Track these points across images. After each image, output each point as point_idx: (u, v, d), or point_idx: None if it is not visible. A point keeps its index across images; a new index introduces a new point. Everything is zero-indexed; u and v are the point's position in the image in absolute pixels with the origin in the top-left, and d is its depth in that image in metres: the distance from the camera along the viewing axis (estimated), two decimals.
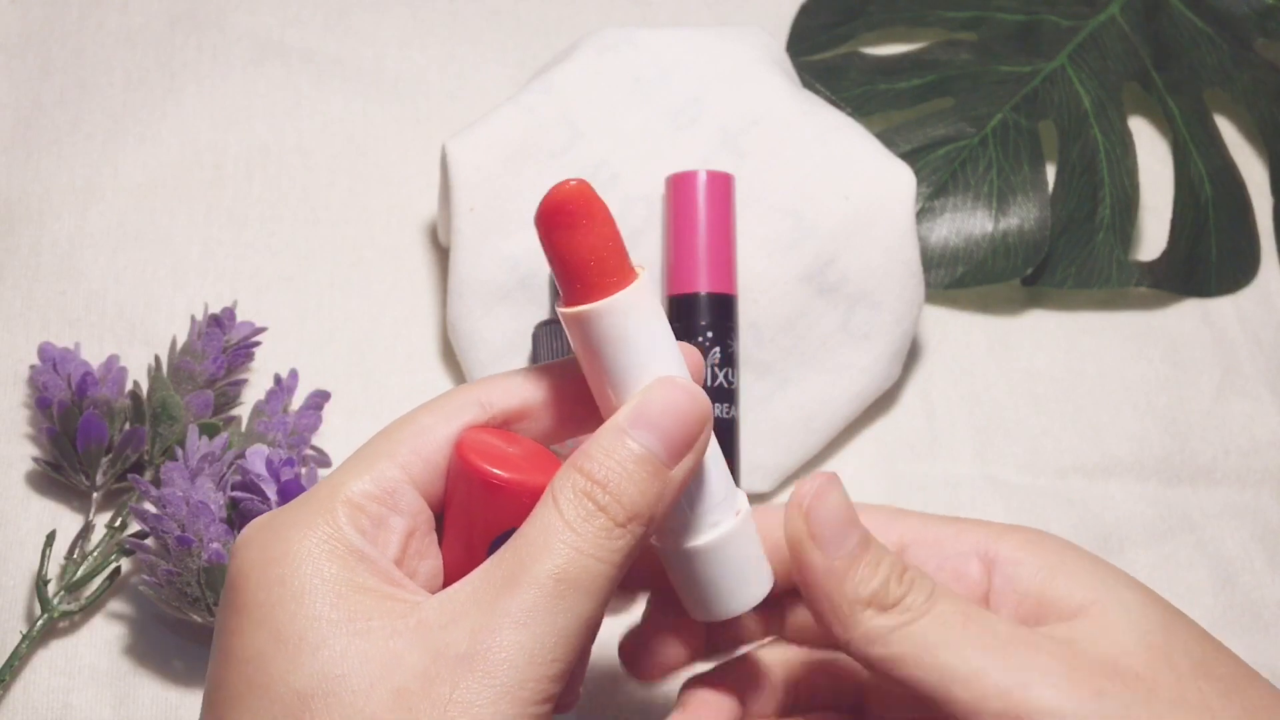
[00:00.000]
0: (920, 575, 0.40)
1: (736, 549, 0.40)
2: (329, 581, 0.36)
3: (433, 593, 0.37)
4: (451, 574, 0.39)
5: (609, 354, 0.37)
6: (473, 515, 0.38)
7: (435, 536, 0.39)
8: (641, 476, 0.37)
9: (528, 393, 0.40)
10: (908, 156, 0.65)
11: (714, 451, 0.39)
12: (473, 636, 0.35)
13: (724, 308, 0.57)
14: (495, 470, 0.38)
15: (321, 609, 0.35)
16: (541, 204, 0.36)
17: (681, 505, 0.39)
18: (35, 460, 0.56)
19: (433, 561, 0.39)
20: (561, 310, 0.37)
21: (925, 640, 0.39)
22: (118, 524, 0.54)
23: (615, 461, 0.37)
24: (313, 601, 0.35)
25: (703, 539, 0.40)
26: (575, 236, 0.36)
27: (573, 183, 0.36)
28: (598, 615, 0.36)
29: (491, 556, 0.37)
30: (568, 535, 0.36)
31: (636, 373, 0.37)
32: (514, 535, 0.36)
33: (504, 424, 0.40)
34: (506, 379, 0.40)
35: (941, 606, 0.39)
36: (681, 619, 0.43)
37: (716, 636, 0.45)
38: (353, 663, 0.35)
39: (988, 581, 0.42)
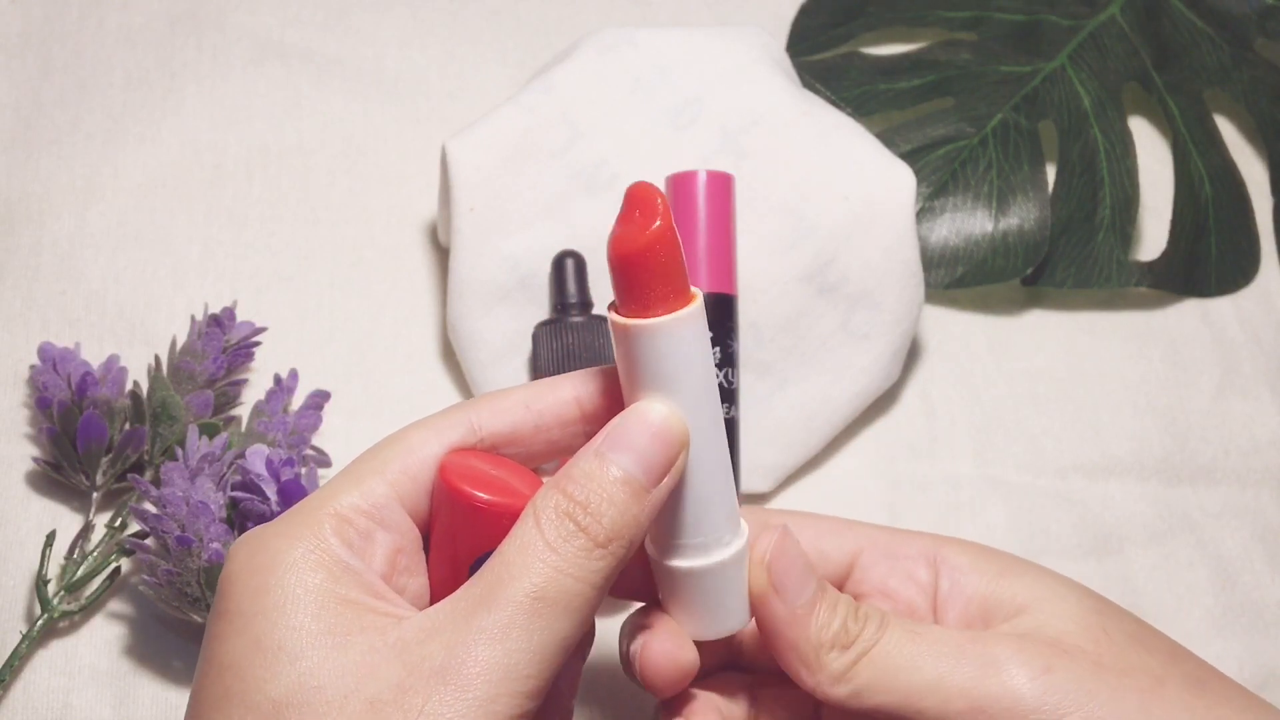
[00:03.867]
0: (871, 609, 0.41)
1: (727, 578, 0.41)
2: (312, 592, 0.36)
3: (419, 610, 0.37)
4: (437, 593, 0.39)
5: (650, 369, 0.37)
6: (455, 536, 0.39)
7: (423, 555, 0.40)
8: (622, 498, 0.37)
9: (518, 416, 0.40)
10: (908, 156, 0.65)
11: (724, 478, 0.39)
12: (448, 651, 0.35)
13: (724, 308, 0.57)
14: (476, 493, 0.38)
15: (303, 619, 0.35)
16: (623, 230, 0.36)
17: (685, 523, 0.39)
18: (35, 460, 0.56)
19: (420, 579, 0.39)
20: (613, 318, 0.37)
21: (884, 666, 0.40)
22: (118, 524, 0.54)
23: (596, 483, 0.37)
24: (294, 611, 0.36)
25: (699, 561, 0.40)
26: (649, 259, 0.36)
27: (657, 211, 0.36)
28: (576, 634, 0.36)
29: (473, 575, 0.37)
30: (547, 555, 0.36)
31: (659, 394, 0.37)
32: (494, 553, 0.37)
33: (492, 447, 0.40)
34: (499, 400, 0.40)
35: (891, 631, 0.41)
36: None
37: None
38: (329, 674, 0.35)
39: (935, 584, 0.44)
